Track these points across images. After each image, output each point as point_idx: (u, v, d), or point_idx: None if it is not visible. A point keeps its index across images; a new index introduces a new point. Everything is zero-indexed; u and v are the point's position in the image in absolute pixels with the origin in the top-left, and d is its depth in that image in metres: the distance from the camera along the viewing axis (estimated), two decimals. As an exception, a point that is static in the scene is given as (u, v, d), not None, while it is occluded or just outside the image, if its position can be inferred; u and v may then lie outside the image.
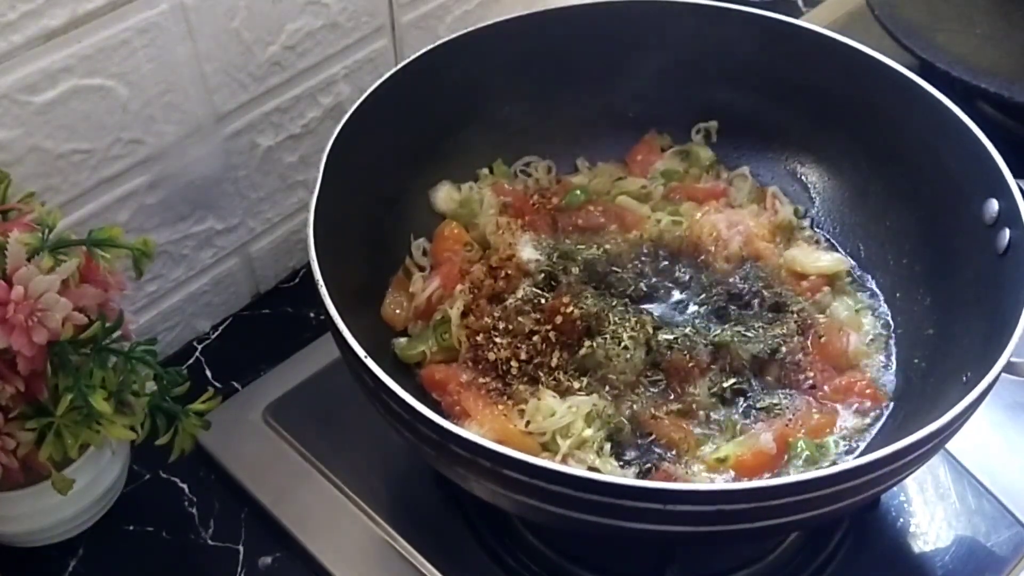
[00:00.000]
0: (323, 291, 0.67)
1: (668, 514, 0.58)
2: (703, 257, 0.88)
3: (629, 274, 0.86)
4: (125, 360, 0.68)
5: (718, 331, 0.81)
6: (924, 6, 1.15)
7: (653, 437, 0.76)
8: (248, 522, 0.81)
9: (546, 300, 0.80)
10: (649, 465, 0.74)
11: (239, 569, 0.78)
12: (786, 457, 0.75)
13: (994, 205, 0.73)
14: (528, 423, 0.75)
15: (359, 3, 0.88)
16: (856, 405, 0.79)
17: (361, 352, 0.64)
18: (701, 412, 0.78)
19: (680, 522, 0.60)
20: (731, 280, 0.86)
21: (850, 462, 0.59)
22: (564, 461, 0.73)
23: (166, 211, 0.85)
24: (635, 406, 0.77)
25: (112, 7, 0.72)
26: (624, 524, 0.60)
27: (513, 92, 0.90)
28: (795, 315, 0.82)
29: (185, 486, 0.83)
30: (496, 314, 0.80)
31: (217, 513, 0.81)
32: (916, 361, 0.80)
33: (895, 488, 0.81)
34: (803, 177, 0.93)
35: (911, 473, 0.66)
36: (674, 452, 0.75)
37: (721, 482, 0.73)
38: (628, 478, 0.71)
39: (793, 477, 0.61)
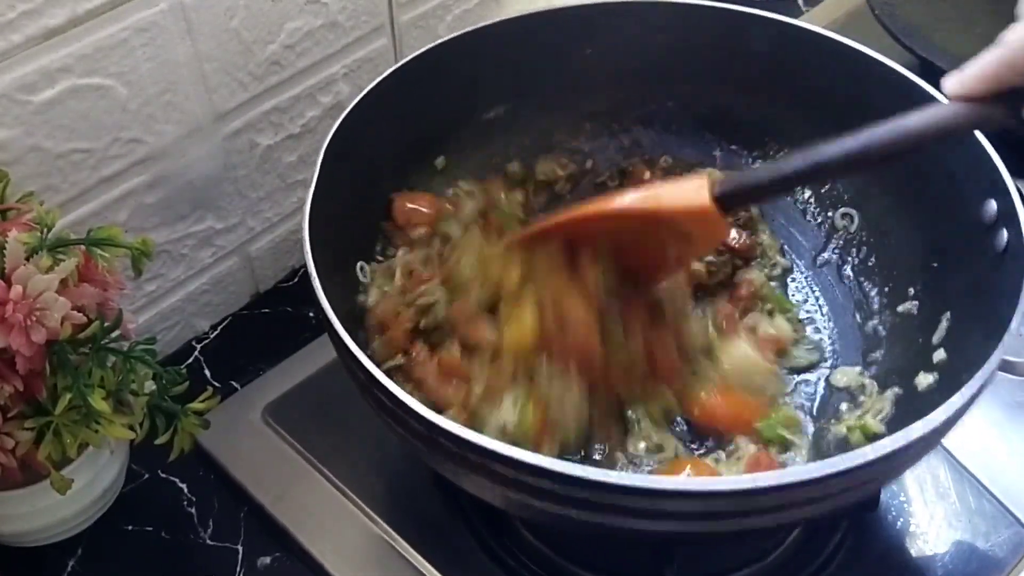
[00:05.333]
0: (318, 289, 0.66)
1: (661, 511, 0.57)
2: None
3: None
4: (124, 359, 0.68)
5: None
6: (924, 6, 1.15)
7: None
8: (247, 522, 0.81)
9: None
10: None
11: (238, 569, 0.78)
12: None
13: (993, 206, 0.73)
14: None
15: (359, 2, 0.88)
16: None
17: (353, 346, 0.63)
18: None
19: (675, 519, 0.59)
20: None
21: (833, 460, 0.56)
22: None
23: (165, 210, 0.85)
24: None
25: (111, 6, 0.72)
26: (615, 521, 0.59)
27: (511, 92, 0.89)
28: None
29: (184, 486, 0.83)
30: None
31: (216, 513, 0.81)
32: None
33: (894, 487, 0.81)
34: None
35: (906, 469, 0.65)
36: None
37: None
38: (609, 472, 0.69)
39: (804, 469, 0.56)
